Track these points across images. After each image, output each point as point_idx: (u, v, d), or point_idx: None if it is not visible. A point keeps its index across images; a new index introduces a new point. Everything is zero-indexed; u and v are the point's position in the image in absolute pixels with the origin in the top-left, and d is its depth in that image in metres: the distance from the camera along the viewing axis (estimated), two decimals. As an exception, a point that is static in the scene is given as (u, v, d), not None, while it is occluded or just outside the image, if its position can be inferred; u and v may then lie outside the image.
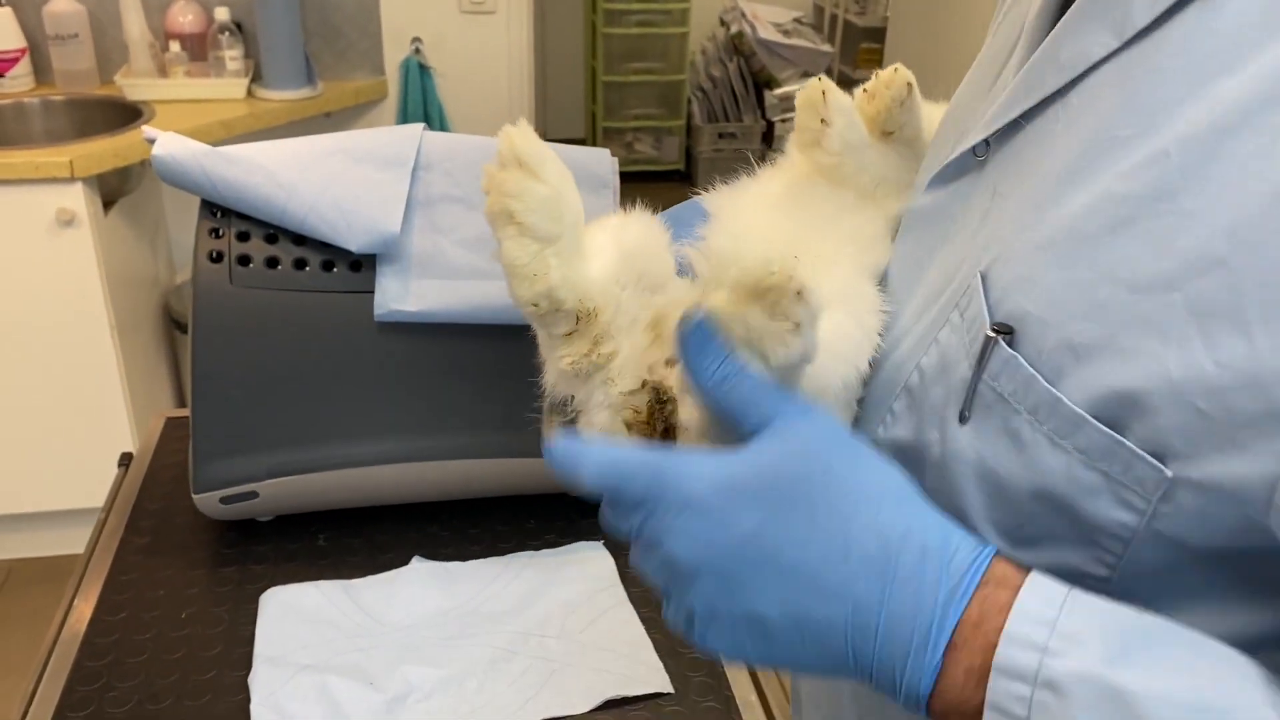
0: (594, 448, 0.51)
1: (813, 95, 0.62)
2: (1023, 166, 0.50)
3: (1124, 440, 0.42)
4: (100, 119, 2.43)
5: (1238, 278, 0.38)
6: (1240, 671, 0.39)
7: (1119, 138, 0.44)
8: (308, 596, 0.98)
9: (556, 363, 0.64)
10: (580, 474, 0.50)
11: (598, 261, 0.64)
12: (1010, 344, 0.46)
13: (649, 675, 0.92)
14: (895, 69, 0.64)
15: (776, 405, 0.48)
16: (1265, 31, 0.40)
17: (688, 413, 0.59)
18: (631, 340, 0.63)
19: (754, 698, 0.90)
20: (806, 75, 4.47)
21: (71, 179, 2.08)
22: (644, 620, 0.97)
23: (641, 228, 0.66)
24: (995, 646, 0.42)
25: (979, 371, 0.47)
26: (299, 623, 0.95)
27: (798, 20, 4.81)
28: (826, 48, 4.68)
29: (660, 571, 0.49)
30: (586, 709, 0.88)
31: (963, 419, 0.48)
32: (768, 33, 4.59)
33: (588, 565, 1.04)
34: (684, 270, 0.65)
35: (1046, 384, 0.44)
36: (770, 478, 0.46)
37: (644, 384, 0.62)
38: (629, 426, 0.62)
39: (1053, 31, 0.49)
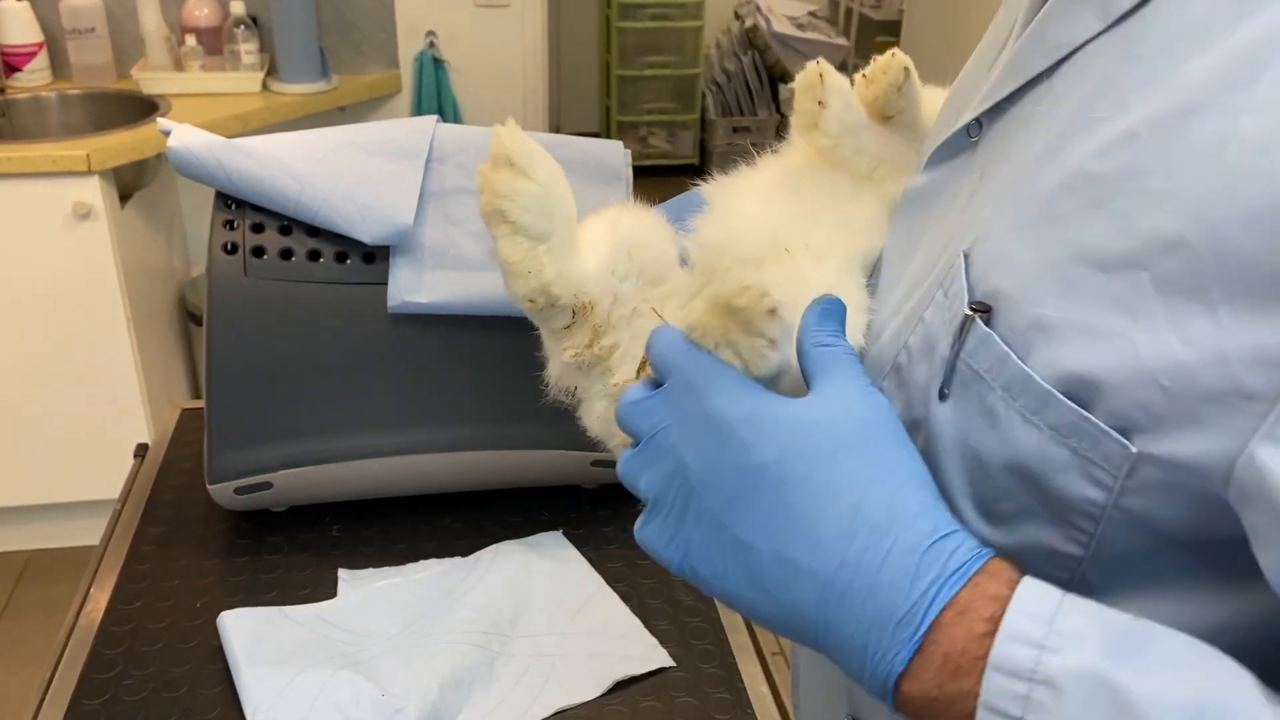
0: (677, 329, 0.51)
1: (810, 78, 0.63)
2: (1007, 148, 0.50)
3: (1090, 417, 0.42)
4: (116, 113, 2.45)
5: (1200, 258, 0.39)
6: (1236, 674, 0.39)
7: (1095, 119, 0.44)
8: (275, 623, 0.94)
9: (559, 355, 0.66)
10: (653, 345, 0.52)
11: (593, 254, 0.65)
12: (987, 322, 0.46)
13: (649, 653, 0.92)
14: (892, 54, 0.65)
15: (822, 371, 0.49)
16: (1235, 12, 0.40)
17: None
18: (631, 331, 0.65)
19: (764, 689, 0.91)
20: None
21: (88, 172, 2.09)
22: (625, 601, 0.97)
23: (638, 219, 0.67)
24: (979, 636, 0.41)
25: (957, 349, 0.48)
26: (278, 644, 0.91)
27: (812, 14, 4.79)
28: (841, 41, 4.66)
29: (663, 480, 0.49)
30: (597, 694, 0.89)
31: (942, 396, 0.49)
32: (782, 26, 4.58)
33: (559, 559, 1.04)
34: (686, 260, 0.66)
35: (1019, 361, 0.45)
36: (806, 422, 0.46)
37: (639, 374, 0.62)
38: None
39: (1040, 13, 0.50)
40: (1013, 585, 0.42)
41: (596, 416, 0.67)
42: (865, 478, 0.45)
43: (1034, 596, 0.42)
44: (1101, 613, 0.41)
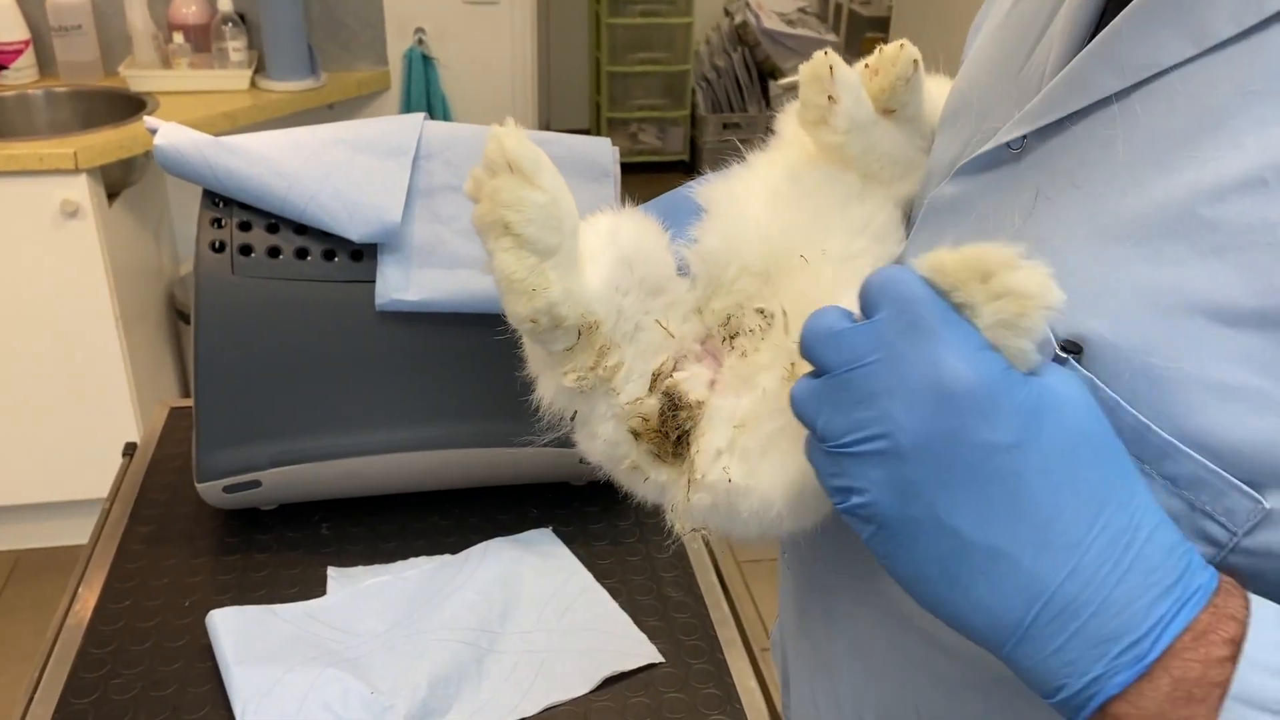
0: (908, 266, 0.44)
1: (819, 69, 0.58)
2: (1075, 171, 0.47)
3: (1218, 470, 0.40)
4: (104, 110, 2.44)
5: None
6: None
7: (1199, 157, 0.41)
8: (264, 621, 0.94)
9: (558, 379, 0.59)
10: (876, 275, 0.43)
11: (594, 268, 0.59)
12: (1079, 362, 0.43)
13: (638, 648, 0.93)
14: (901, 45, 0.61)
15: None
16: None
17: (716, 427, 0.56)
18: (635, 347, 0.59)
19: (753, 684, 0.91)
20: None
21: (76, 170, 2.08)
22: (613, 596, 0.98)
23: (637, 228, 0.61)
24: (1219, 660, 0.38)
25: None
26: (266, 642, 0.92)
27: (802, 10, 4.79)
28: (831, 37, 4.67)
29: (853, 427, 0.42)
30: (586, 690, 0.89)
31: None
32: (772, 22, 4.58)
33: (548, 556, 1.04)
34: (683, 269, 0.62)
35: (1132, 411, 0.42)
36: (1050, 405, 0.40)
37: (652, 388, 0.58)
38: (636, 435, 0.59)
39: (1109, 27, 0.46)
40: (1246, 603, 0.39)
41: (603, 440, 0.61)
42: (1108, 479, 0.40)
43: (1270, 616, 0.39)
44: None
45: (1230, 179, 0.40)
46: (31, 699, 0.87)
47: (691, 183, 0.65)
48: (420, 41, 2.89)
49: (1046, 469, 0.39)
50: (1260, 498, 0.39)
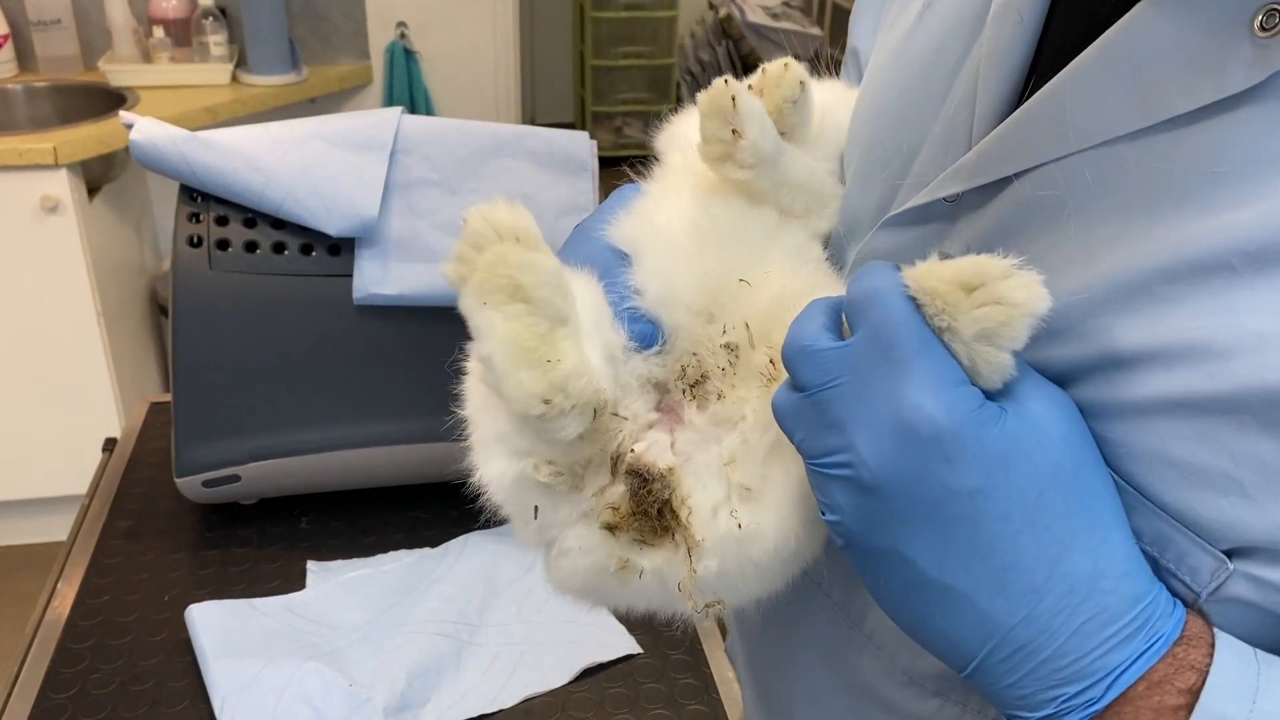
0: (899, 274, 0.41)
1: (720, 101, 0.52)
2: (1016, 233, 0.44)
3: (1183, 526, 0.39)
4: (84, 105, 2.42)
5: None
6: None
7: (1155, 233, 0.39)
8: (243, 615, 0.94)
9: (523, 469, 0.51)
10: (860, 280, 0.42)
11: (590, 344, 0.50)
12: None
13: (616, 640, 0.93)
14: (785, 64, 0.56)
15: (1024, 377, 0.41)
16: None
17: (704, 485, 0.50)
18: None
19: (730, 674, 0.92)
20: (796, 59, 4.46)
21: (55, 165, 2.07)
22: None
23: (592, 294, 0.52)
24: (1172, 709, 0.38)
25: None
26: (246, 636, 0.92)
27: (786, 3, 4.79)
28: (815, 31, 4.67)
29: (822, 452, 0.41)
30: (564, 681, 0.89)
31: None
32: (756, 16, 4.58)
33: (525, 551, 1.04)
34: (639, 338, 0.53)
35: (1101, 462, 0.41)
36: (1016, 449, 0.39)
37: (614, 472, 0.50)
38: (613, 529, 0.51)
39: (1052, 85, 0.42)
40: (1210, 650, 0.38)
41: (578, 549, 0.52)
42: (1071, 527, 0.39)
43: (1233, 669, 0.38)
44: None
45: (1191, 260, 0.38)
46: (10, 694, 0.87)
47: (588, 220, 0.58)
48: (402, 35, 2.88)
49: (1009, 515, 0.39)
50: (1225, 558, 0.38)
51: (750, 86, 0.55)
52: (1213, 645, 0.38)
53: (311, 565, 1.02)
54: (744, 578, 0.50)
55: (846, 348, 0.41)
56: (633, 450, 0.51)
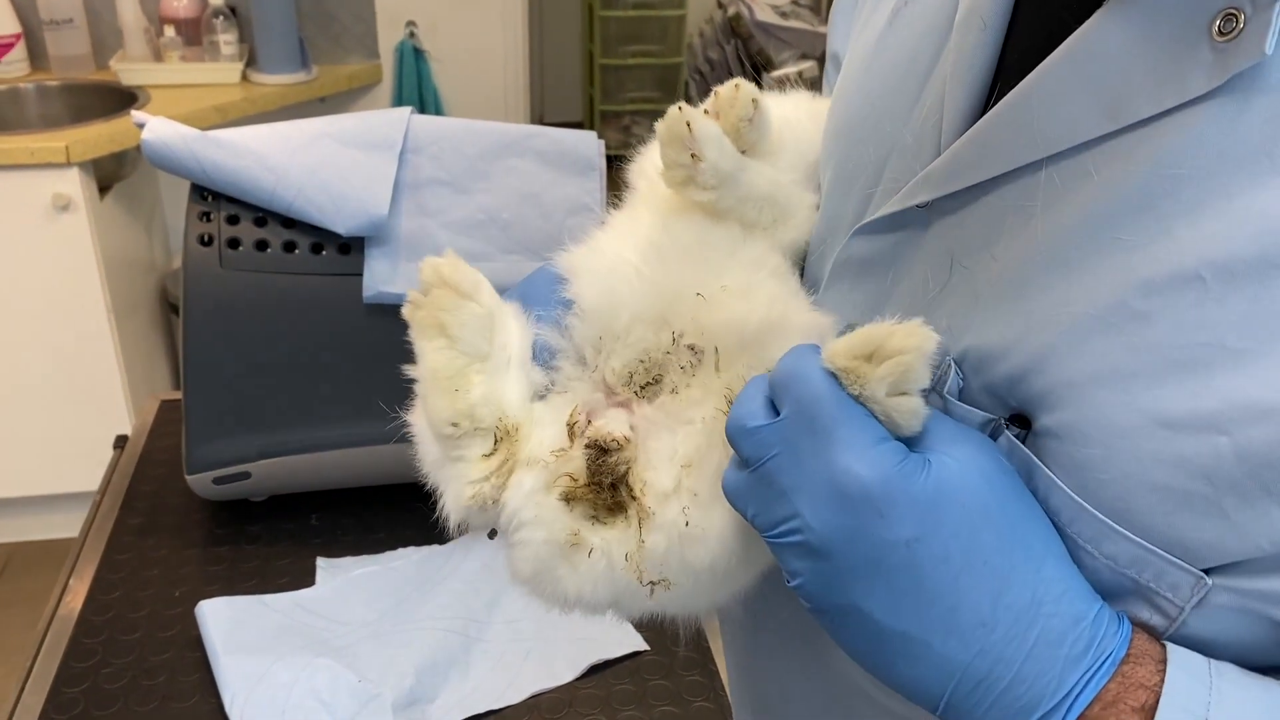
0: (818, 353, 0.44)
1: (677, 129, 0.54)
2: (989, 240, 0.45)
3: (1156, 549, 0.39)
4: (96, 104, 2.44)
5: None
6: None
7: (1125, 241, 0.39)
8: (253, 611, 0.95)
9: (460, 497, 0.56)
10: (782, 363, 0.45)
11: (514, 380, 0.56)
12: (1022, 439, 0.43)
13: (623, 636, 0.94)
14: (737, 85, 0.58)
15: (943, 428, 0.43)
16: None
17: (656, 466, 0.52)
18: (538, 411, 0.56)
19: (737, 672, 0.92)
20: (804, 57, 4.46)
21: (67, 164, 2.08)
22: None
23: (527, 333, 0.57)
24: None
25: None
26: (255, 632, 0.93)
27: (795, 2, 4.79)
28: (824, 29, 4.67)
29: (773, 524, 0.44)
30: (572, 678, 0.90)
31: None
32: (765, 15, 4.58)
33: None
34: (542, 355, 0.57)
35: (1068, 491, 0.41)
36: (945, 495, 0.41)
37: (571, 438, 0.54)
38: (569, 500, 0.54)
39: (1018, 91, 0.43)
40: (1161, 668, 0.39)
41: (534, 520, 0.55)
42: (1008, 560, 0.40)
43: (1184, 685, 0.39)
44: (1257, 699, 0.39)
45: (1164, 272, 0.38)
46: (23, 688, 0.88)
47: (552, 261, 0.61)
48: (411, 35, 2.89)
49: (947, 557, 0.40)
50: (1203, 574, 0.39)
51: (706, 110, 0.58)
52: (1163, 662, 0.39)
53: (321, 562, 1.03)
54: (684, 571, 0.53)
55: (778, 424, 0.44)
56: (591, 423, 0.55)
